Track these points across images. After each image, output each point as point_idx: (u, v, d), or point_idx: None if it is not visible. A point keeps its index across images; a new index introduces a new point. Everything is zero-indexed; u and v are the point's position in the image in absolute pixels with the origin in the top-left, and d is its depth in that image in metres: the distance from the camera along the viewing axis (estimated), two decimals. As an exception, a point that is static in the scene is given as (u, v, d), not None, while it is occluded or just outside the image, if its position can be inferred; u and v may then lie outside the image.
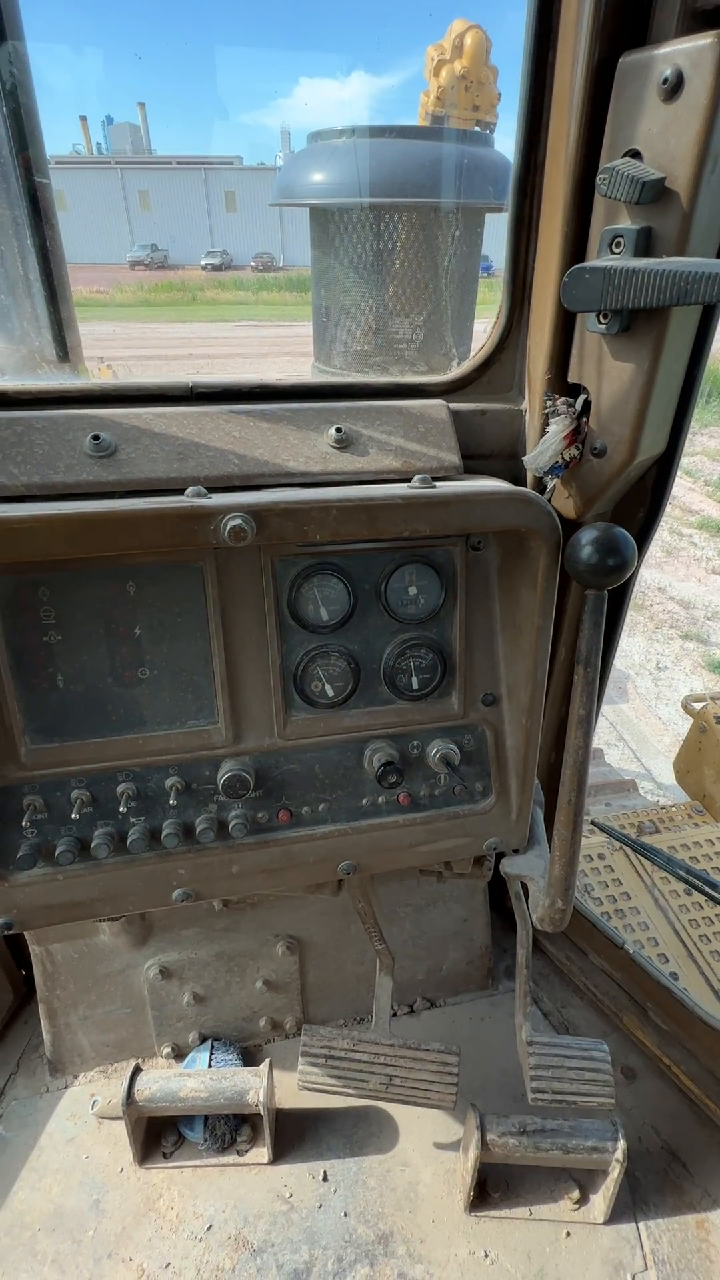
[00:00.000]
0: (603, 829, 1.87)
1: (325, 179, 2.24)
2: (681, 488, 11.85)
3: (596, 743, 5.69)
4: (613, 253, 0.86)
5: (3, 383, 1.00)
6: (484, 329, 1.19)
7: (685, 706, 3.27)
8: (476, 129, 3.24)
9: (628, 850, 2.30)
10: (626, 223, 0.84)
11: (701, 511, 10.71)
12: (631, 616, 8.22)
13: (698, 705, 3.19)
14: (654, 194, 0.79)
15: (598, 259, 0.87)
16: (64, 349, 1.13)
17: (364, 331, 2.37)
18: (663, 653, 7.77)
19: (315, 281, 2.47)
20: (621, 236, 0.84)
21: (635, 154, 0.82)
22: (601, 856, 2.33)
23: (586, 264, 0.84)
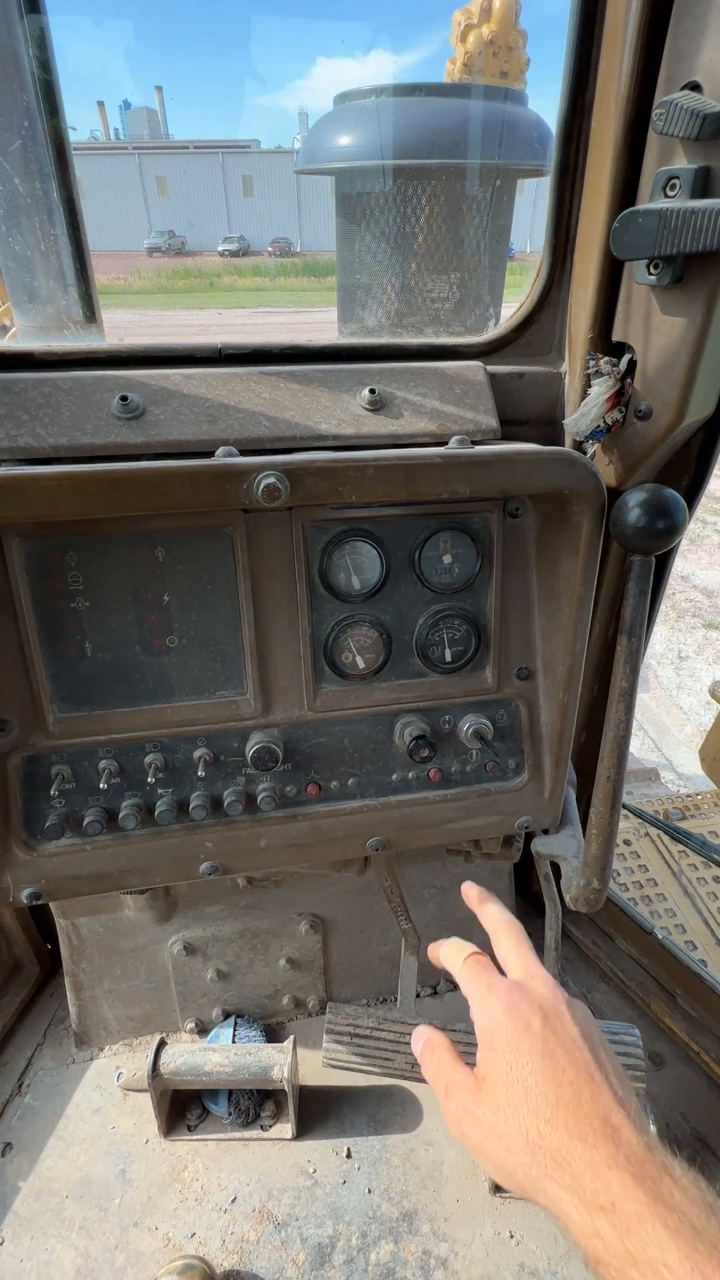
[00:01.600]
0: (635, 813, 1.84)
1: (353, 142, 2.17)
2: (706, 474, 11.57)
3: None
4: (667, 195, 0.81)
5: (29, 343, 0.98)
6: (508, 312, 1.15)
7: (714, 693, 3.19)
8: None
9: (654, 836, 2.26)
10: (683, 162, 0.79)
11: (727, 498, 10.48)
12: (653, 605, 8.10)
13: (726, 692, 3.11)
14: (715, 128, 0.74)
15: (650, 203, 0.82)
16: (90, 309, 1.11)
17: (390, 298, 2.31)
18: (685, 642, 7.64)
19: (340, 254, 2.41)
20: (677, 177, 0.79)
21: (695, 86, 0.76)
22: (628, 842, 2.29)
23: (639, 207, 0.79)
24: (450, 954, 0.79)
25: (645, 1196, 0.47)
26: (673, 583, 8.65)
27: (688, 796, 3.19)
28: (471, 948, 0.78)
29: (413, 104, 2.13)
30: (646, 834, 2.27)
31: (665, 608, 8.14)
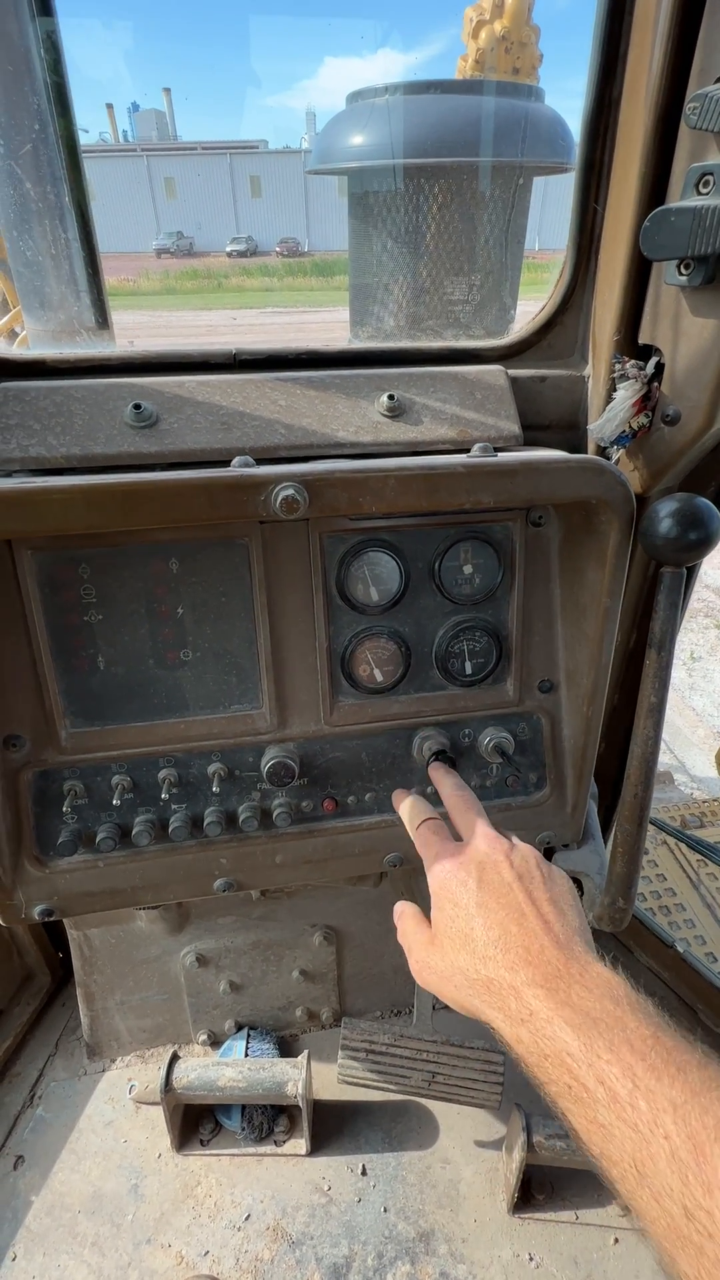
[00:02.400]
0: (656, 824, 1.80)
1: (366, 141, 2.13)
2: (718, 473, 11.44)
3: (630, 734, 5.57)
4: (699, 193, 0.78)
5: (41, 351, 0.96)
6: (524, 311, 1.11)
7: (730, 697, 3.14)
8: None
9: (672, 844, 2.22)
10: (718, 158, 0.76)
11: (740, 497, 10.36)
12: (665, 605, 8.02)
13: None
14: (753, 122, 0.71)
15: (682, 200, 0.79)
16: (103, 315, 1.09)
17: (406, 302, 2.27)
18: (697, 643, 7.55)
19: (353, 255, 2.38)
20: (711, 174, 0.76)
21: (730, 79, 0.73)
22: (646, 852, 2.25)
23: (671, 205, 0.76)
24: (408, 814, 0.89)
25: (554, 1004, 0.57)
26: (685, 582, 8.57)
27: (704, 802, 3.14)
28: (430, 812, 0.86)
29: (426, 101, 2.09)
30: (664, 842, 2.23)
31: (677, 608, 8.06)
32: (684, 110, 0.75)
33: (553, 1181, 1.39)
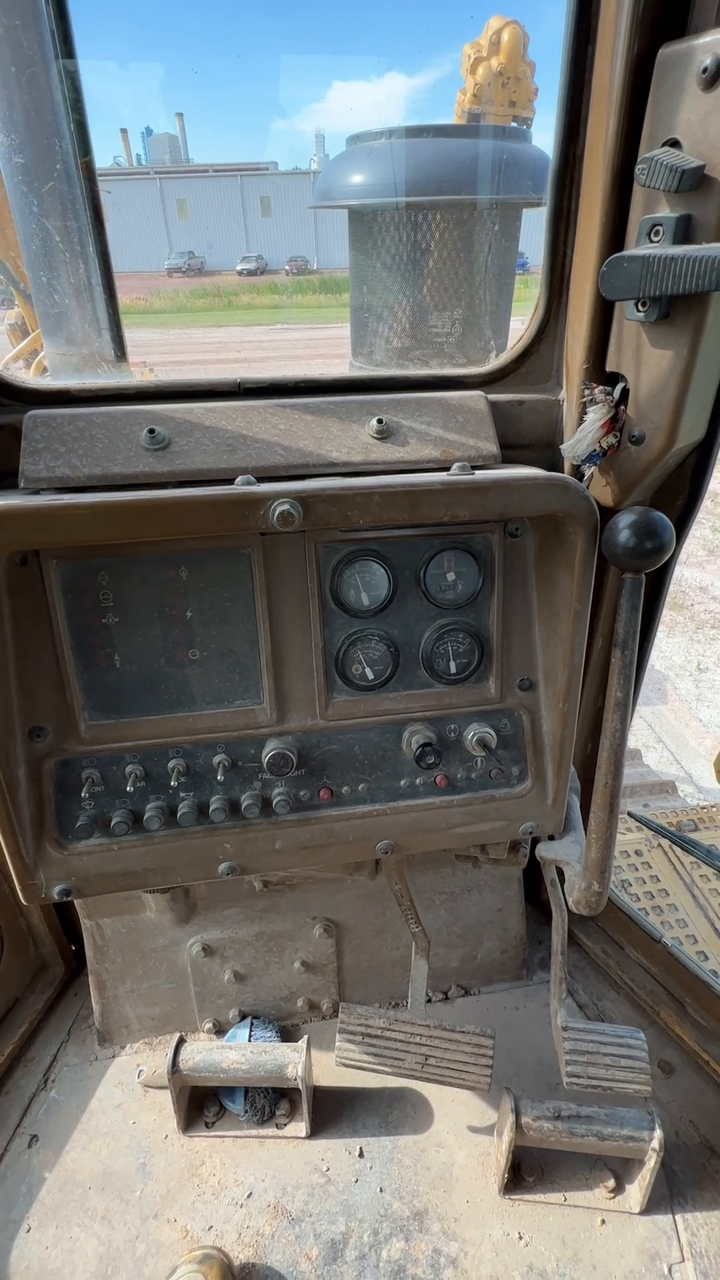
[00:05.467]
0: (640, 821, 1.86)
1: (364, 180, 2.28)
2: (723, 484, 11.52)
3: (635, 744, 5.59)
4: (651, 241, 0.87)
5: (65, 382, 1.07)
6: (518, 325, 1.21)
7: (727, 705, 3.19)
8: (514, 124, 3.23)
9: (665, 847, 2.27)
10: (666, 211, 0.85)
11: (746, 508, 10.38)
12: (671, 617, 8.04)
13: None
14: (694, 181, 0.80)
15: (636, 248, 0.88)
16: (121, 349, 1.20)
17: (402, 328, 2.41)
18: (704, 654, 7.57)
19: (354, 281, 2.51)
20: (660, 225, 0.85)
21: (674, 143, 0.83)
22: (639, 853, 2.30)
23: (625, 253, 0.85)
24: None
25: None
26: (691, 594, 8.59)
27: (701, 808, 3.18)
28: None
29: (421, 144, 2.23)
30: (658, 845, 2.28)
31: (684, 619, 8.08)
32: (635, 170, 0.85)
33: (542, 1164, 1.45)
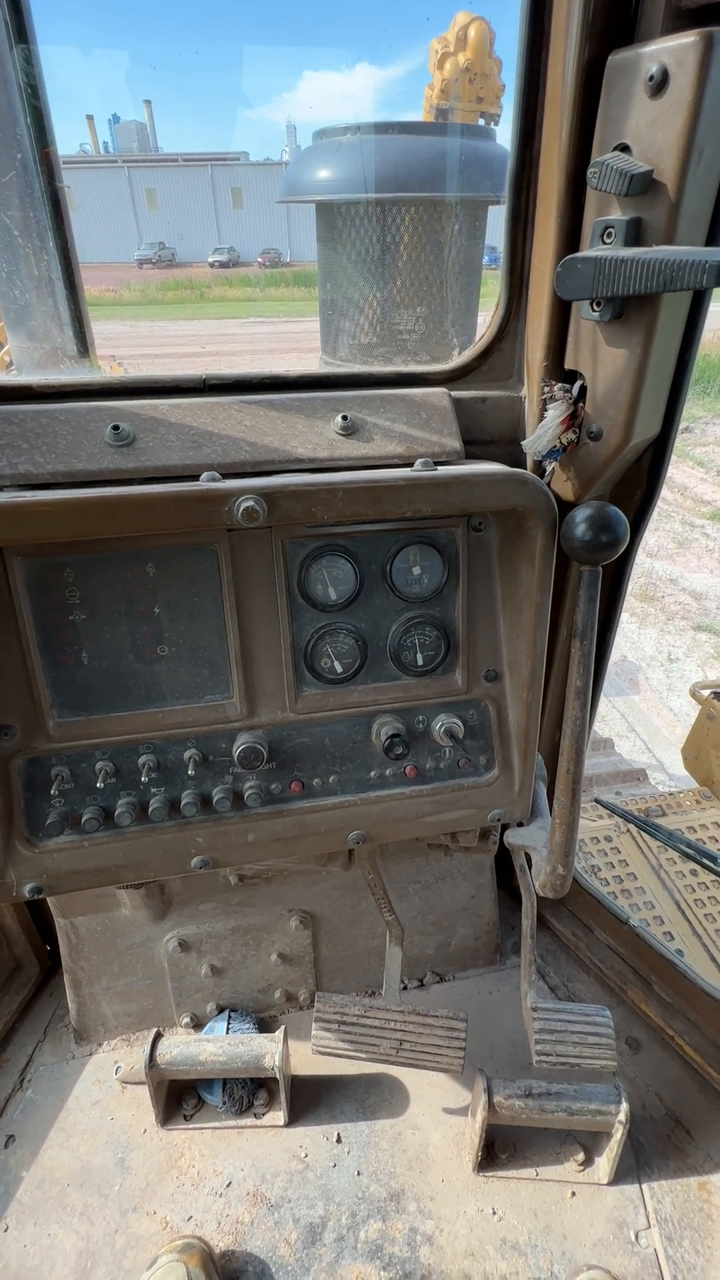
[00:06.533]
0: (606, 806, 1.92)
1: (330, 176, 2.28)
2: (694, 478, 11.77)
3: (608, 733, 5.72)
4: (604, 243, 0.90)
5: (28, 378, 1.06)
6: (487, 320, 1.23)
7: (693, 694, 3.29)
8: (480, 121, 3.26)
9: (634, 833, 2.34)
10: (617, 214, 0.88)
11: (714, 502, 10.63)
12: (643, 608, 8.21)
13: (705, 692, 3.20)
14: (642, 186, 0.83)
15: (590, 249, 0.91)
16: (84, 344, 1.19)
17: (369, 324, 2.43)
18: (674, 644, 7.75)
19: (321, 276, 2.52)
20: (612, 227, 0.88)
21: (624, 148, 0.85)
22: (609, 839, 2.37)
23: (579, 254, 0.88)
24: None
25: None
26: (662, 586, 8.78)
27: (669, 795, 3.27)
28: None
29: (385, 141, 2.24)
30: (626, 831, 2.35)
31: (655, 611, 8.25)
32: (588, 173, 0.88)
33: (515, 1141, 1.49)
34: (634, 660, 7.37)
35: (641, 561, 9.27)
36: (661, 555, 9.45)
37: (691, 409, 14.80)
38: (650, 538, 9.85)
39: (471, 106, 3.25)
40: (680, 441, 13.34)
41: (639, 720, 6.39)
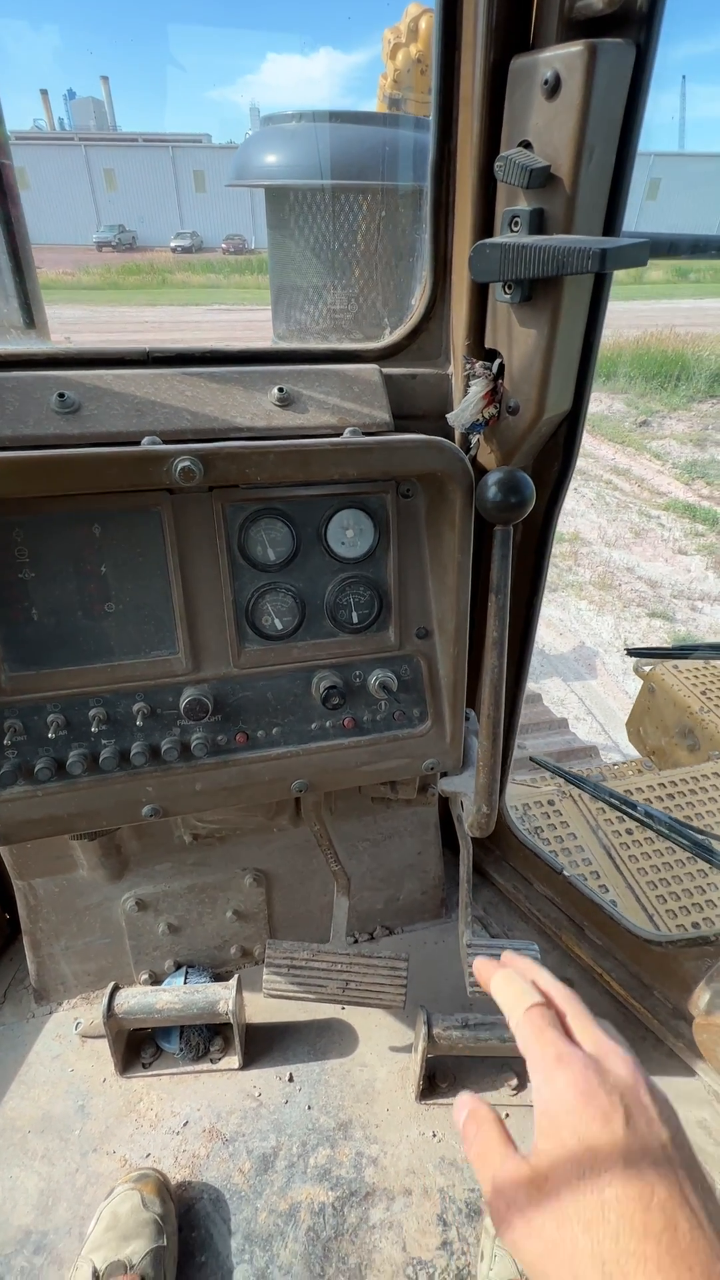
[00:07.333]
0: (539, 762, 2.04)
1: (278, 161, 2.34)
2: (651, 470, 12.15)
3: (564, 714, 5.93)
4: (512, 230, 0.99)
5: (-26, 347, 1.10)
6: None
7: (636, 670, 3.47)
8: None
9: (575, 796, 2.48)
10: (523, 204, 0.97)
11: (670, 494, 11.00)
12: (601, 596, 8.48)
13: (647, 668, 3.38)
14: (541, 179, 0.92)
15: (499, 236, 1.00)
16: (30, 317, 1.23)
17: (314, 307, 2.50)
18: (630, 630, 8.04)
19: (272, 261, 2.57)
20: (519, 217, 0.97)
21: (527, 144, 0.94)
22: (552, 803, 2.51)
23: (487, 240, 0.96)
24: (506, 994, 0.64)
25: None
26: (619, 574, 9.07)
27: (614, 765, 3.45)
28: (532, 991, 0.63)
29: (331, 129, 2.31)
30: (567, 794, 2.49)
31: (612, 599, 8.53)
32: (495, 167, 0.96)
33: (455, 1072, 1.61)
34: (592, 646, 7.62)
35: (599, 551, 9.56)
36: (619, 545, 9.75)
37: (649, 404, 15.23)
38: (609, 528, 10.16)
39: (423, 98, 3.32)
40: (638, 435, 13.73)
41: (596, 704, 6.64)
